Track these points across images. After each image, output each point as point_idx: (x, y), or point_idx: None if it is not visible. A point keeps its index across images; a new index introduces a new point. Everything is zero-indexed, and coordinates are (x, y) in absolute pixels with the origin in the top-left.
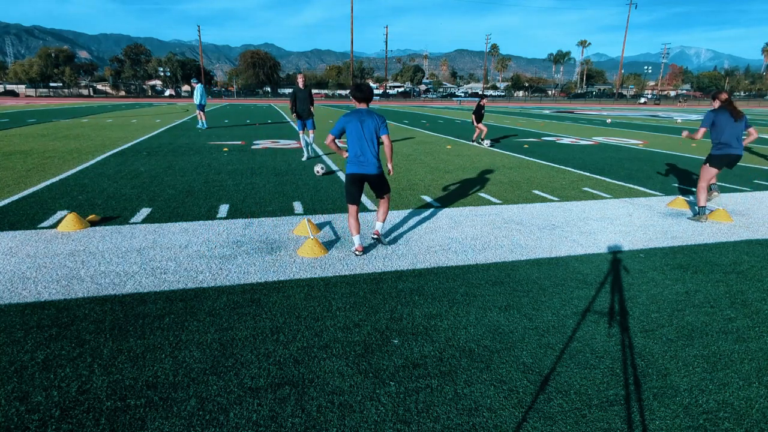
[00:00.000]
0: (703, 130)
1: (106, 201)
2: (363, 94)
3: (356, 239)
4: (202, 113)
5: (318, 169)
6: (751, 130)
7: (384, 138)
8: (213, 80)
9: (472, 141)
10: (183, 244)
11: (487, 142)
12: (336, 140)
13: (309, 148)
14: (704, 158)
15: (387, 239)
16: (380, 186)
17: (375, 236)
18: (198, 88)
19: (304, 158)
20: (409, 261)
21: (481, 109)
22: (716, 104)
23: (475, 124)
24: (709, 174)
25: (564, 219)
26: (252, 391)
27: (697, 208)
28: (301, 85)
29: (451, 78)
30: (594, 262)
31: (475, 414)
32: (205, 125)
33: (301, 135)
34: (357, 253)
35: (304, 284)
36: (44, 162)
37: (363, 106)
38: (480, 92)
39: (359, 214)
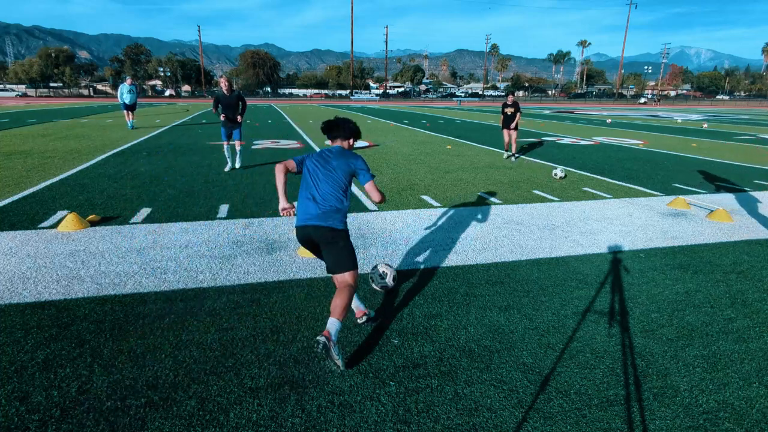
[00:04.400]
0: None
1: (106, 201)
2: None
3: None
4: (126, 113)
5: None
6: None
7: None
8: (213, 80)
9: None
10: (183, 244)
11: (506, 154)
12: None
13: (234, 158)
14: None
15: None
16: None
17: (324, 336)
18: (122, 87)
19: (237, 165)
20: (409, 261)
21: (503, 108)
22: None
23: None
24: None
25: (564, 219)
26: (252, 391)
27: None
28: (225, 90)
29: (451, 78)
30: (594, 262)
31: (475, 414)
32: (131, 125)
33: (225, 145)
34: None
35: (304, 284)
36: (44, 162)
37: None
38: (480, 92)
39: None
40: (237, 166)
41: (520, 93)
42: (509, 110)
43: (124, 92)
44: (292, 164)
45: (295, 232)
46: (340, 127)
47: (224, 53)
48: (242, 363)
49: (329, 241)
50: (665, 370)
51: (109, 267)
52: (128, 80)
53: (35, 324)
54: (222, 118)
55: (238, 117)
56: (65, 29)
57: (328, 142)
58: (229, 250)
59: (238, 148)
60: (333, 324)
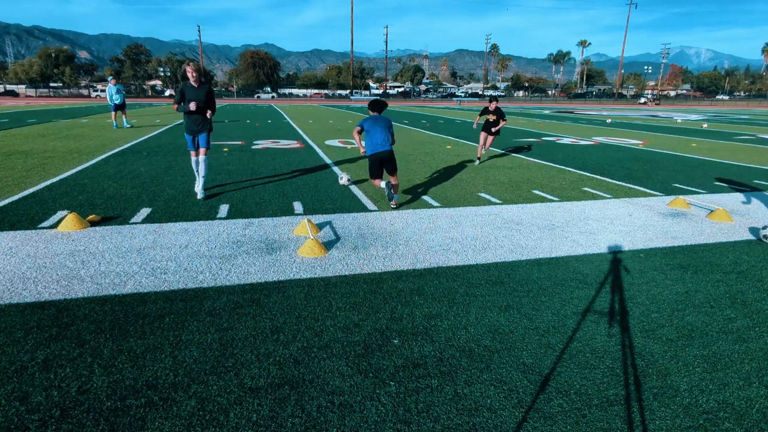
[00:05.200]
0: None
1: (106, 201)
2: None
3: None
4: (114, 114)
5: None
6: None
7: None
8: (213, 80)
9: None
10: (183, 244)
11: (477, 162)
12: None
13: (201, 180)
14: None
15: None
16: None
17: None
18: (109, 88)
19: (199, 196)
20: (409, 261)
21: (485, 113)
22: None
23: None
24: None
25: (564, 219)
26: (252, 391)
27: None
28: (192, 81)
29: (451, 78)
30: (594, 262)
31: (475, 414)
32: (116, 125)
33: (193, 158)
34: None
35: (304, 284)
36: (44, 162)
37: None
38: (480, 92)
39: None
40: (198, 188)
41: (520, 93)
42: (492, 117)
43: (113, 93)
44: (358, 128)
45: (369, 158)
46: (380, 105)
47: (224, 53)
48: (242, 363)
49: (390, 158)
50: (665, 370)
51: (109, 267)
52: (112, 80)
53: (35, 324)
54: (192, 106)
55: (208, 112)
56: (65, 29)
57: (369, 112)
58: (229, 250)
59: (202, 157)
60: (392, 186)
